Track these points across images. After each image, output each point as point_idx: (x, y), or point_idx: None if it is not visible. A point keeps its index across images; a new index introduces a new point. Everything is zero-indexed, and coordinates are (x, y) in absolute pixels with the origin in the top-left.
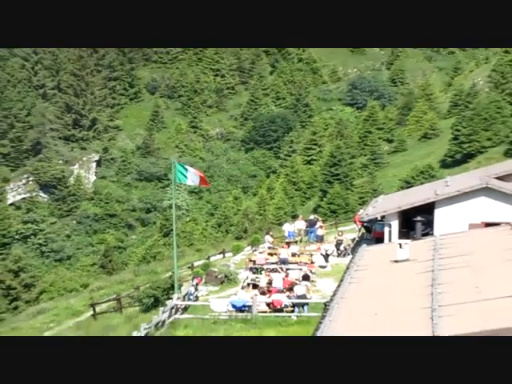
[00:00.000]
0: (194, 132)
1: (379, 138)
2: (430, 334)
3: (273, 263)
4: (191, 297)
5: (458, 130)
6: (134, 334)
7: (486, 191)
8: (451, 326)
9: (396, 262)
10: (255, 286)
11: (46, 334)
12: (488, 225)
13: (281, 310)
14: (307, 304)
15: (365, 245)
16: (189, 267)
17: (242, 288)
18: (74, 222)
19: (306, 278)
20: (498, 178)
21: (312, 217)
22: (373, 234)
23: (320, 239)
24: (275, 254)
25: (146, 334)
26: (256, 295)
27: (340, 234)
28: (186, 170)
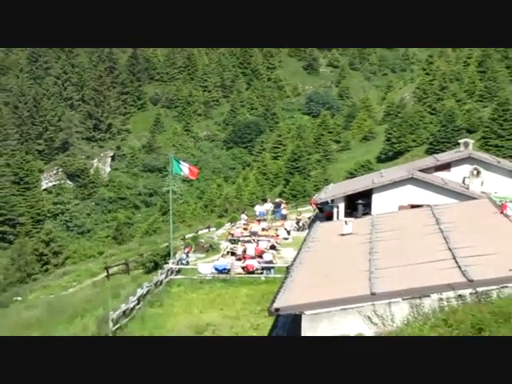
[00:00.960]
0: (187, 134)
1: (330, 140)
2: (368, 292)
3: (247, 236)
4: (183, 262)
5: (390, 134)
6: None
7: (412, 180)
8: (385, 284)
9: (342, 235)
10: (233, 254)
11: (71, 290)
12: (413, 206)
13: (253, 272)
14: (273, 267)
15: (318, 222)
16: (181, 239)
17: (223, 255)
18: (93, 203)
19: (272, 247)
20: (420, 171)
21: (278, 200)
22: (324, 213)
23: (284, 217)
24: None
25: (148, 291)
26: (233, 261)
27: (299, 213)
28: (180, 163)
